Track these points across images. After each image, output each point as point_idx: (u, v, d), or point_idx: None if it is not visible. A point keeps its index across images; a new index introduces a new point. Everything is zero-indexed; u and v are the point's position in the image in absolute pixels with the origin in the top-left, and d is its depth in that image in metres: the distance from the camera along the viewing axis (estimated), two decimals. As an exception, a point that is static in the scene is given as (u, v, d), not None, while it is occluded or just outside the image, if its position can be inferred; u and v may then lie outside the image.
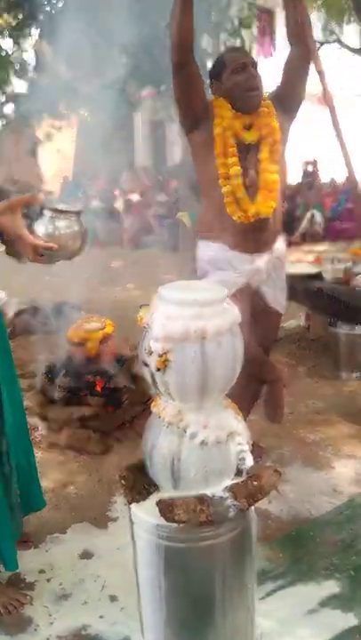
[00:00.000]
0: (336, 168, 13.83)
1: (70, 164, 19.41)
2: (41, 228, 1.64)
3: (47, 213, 1.66)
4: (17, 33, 7.58)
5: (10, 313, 4.98)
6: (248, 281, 2.43)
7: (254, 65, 2.38)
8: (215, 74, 2.43)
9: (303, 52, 2.42)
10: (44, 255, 1.66)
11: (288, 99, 2.49)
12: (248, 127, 2.39)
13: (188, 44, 2.25)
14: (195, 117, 2.38)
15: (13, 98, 8.75)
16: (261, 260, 2.46)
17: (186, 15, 2.19)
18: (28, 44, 8.19)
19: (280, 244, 2.56)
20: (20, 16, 6.91)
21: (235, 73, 2.35)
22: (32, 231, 1.64)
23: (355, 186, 2.61)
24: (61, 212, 1.68)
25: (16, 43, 8.02)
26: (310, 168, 12.51)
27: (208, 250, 2.49)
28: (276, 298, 2.58)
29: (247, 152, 2.39)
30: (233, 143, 2.36)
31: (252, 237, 2.41)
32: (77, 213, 1.71)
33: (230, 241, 2.41)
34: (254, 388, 2.70)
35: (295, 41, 2.43)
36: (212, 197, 2.43)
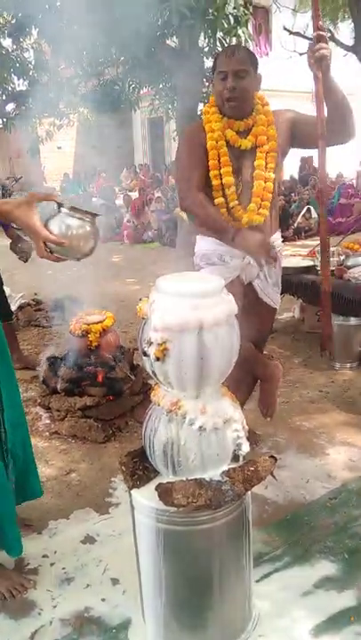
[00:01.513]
0: (331, 164, 13.88)
1: (71, 161, 19.38)
2: (55, 225, 1.62)
3: (63, 211, 1.65)
4: (17, 32, 7.54)
5: (13, 307, 5.02)
6: (239, 275, 2.45)
7: (239, 73, 2.30)
8: (212, 72, 2.43)
9: (342, 136, 2.40)
10: (53, 252, 1.65)
11: (302, 136, 2.46)
12: (244, 133, 2.39)
13: None
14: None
15: (14, 96, 8.72)
16: None
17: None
18: (28, 42, 8.15)
19: (275, 240, 2.57)
20: (20, 15, 6.87)
21: (217, 79, 2.35)
22: (46, 227, 1.63)
23: (323, 180, 2.63)
24: (78, 211, 1.65)
25: (16, 41, 7.97)
26: (305, 164, 12.58)
27: (202, 245, 2.52)
28: (269, 293, 2.58)
29: (242, 158, 2.39)
30: (226, 152, 2.36)
31: None
32: (93, 216, 1.69)
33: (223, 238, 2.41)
34: (249, 381, 2.74)
35: (339, 127, 2.37)
36: None
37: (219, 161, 2.37)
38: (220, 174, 2.37)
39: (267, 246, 2.26)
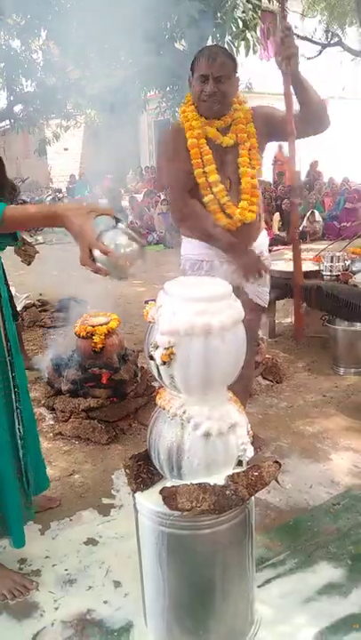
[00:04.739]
0: (335, 168, 13.89)
1: (77, 162, 19.43)
2: (107, 238, 1.55)
3: (120, 227, 1.59)
4: (25, 33, 7.56)
5: (18, 307, 5.04)
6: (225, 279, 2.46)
7: (220, 78, 2.32)
8: (191, 69, 2.42)
9: (318, 130, 2.47)
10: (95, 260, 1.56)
11: (278, 130, 2.48)
12: (223, 131, 2.40)
13: None
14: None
15: (22, 97, 8.75)
16: None
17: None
18: (37, 44, 8.18)
19: (261, 240, 2.59)
20: (29, 16, 6.90)
21: (197, 81, 2.35)
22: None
23: (292, 177, 2.68)
24: (132, 232, 1.59)
25: (24, 43, 8.01)
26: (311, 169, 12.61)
27: (188, 249, 2.53)
28: (259, 293, 2.59)
29: (225, 155, 2.41)
30: (208, 150, 2.37)
31: (233, 236, 2.42)
32: (142, 245, 1.63)
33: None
34: (245, 382, 2.74)
35: (313, 122, 2.44)
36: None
37: (202, 159, 2.38)
38: (205, 172, 2.38)
39: (259, 265, 2.28)
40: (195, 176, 2.39)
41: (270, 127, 2.48)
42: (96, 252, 1.53)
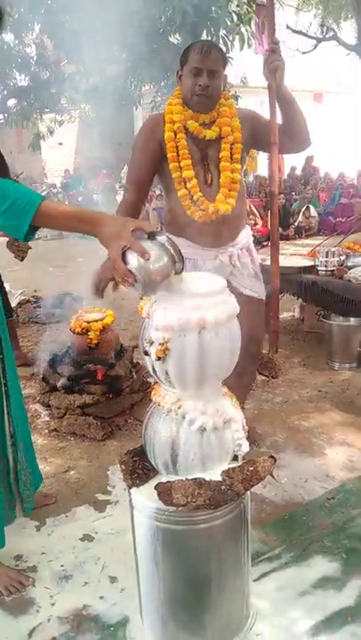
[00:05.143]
0: (331, 163, 13.90)
1: (72, 157, 19.34)
2: (146, 245, 1.45)
3: (161, 239, 1.49)
4: (19, 27, 7.53)
5: (13, 304, 5.02)
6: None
7: (213, 72, 2.33)
8: (180, 63, 2.43)
9: (299, 146, 2.54)
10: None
11: (259, 139, 2.52)
12: (208, 124, 2.40)
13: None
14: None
15: (15, 92, 8.70)
16: (225, 256, 2.49)
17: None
18: (30, 38, 8.14)
19: (244, 234, 2.59)
20: (22, 10, 6.87)
21: (190, 74, 2.35)
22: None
23: (274, 184, 2.73)
24: (171, 247, 1.49)
25: (18, 37, 7.96)
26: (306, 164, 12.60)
27: None
28: (249, 285, 2.58)
29: (207, 149, 2.40)
30: (185, 145, 2.37)
31: (215, 232, 2.43)
32: (175, 262, 1.51)
33: (193, 237, 2.43)
34: (248, 379, 2.75)
35: (294, 137, 2.50)
36: (172, 198, 2.46)
37: (178, 154, 2.38)
38: (180, 167, 2.38)
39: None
40: (171, 170, 2.39)
41: (254, 133, 2.49)
42: (129, 259, 1.43)
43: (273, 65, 2.39)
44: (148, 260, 1.42)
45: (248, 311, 2.54)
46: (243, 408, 2.88)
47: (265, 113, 2.57)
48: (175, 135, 2.38)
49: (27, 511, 2.29)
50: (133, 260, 1.43)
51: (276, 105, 2.49)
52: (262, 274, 2.71)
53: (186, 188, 2.38)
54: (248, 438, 2.45)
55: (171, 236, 1.53)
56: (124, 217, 1.54)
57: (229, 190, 2.40)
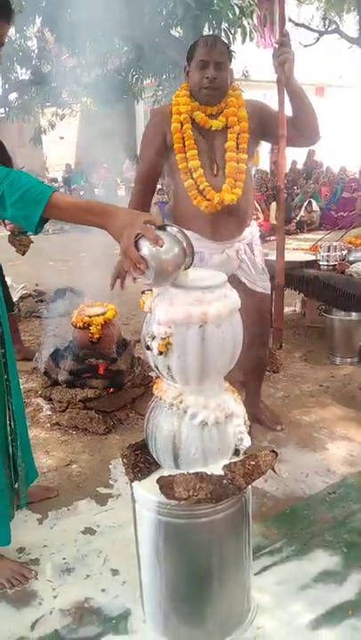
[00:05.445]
0: (332, 157, 13.84)
1: (73, 151, 19.29)
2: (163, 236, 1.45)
3: (172, 230, 1.50)
4: (20, 21, 7.50)
5: (15, 298, 5.02)
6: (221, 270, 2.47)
7: (219, 64, 2.35)
8: (187, 59, 2.44)
9: (309, 140, 2.53)
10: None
11: (267, 131, 2.51)
12: (215, 115, 2.41)
13: None
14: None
15: (17, 85, 8.67)
16: (232, 250, 2.50)
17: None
18: (31, 31, 8.11)
19: (251, 229, 2.59)
20: (23, 3, 6.84)
21: (196, 68, 2.37)
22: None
23: (281, 178, 2.74)
24: (184, 239, 1.49)
25: (19, 30, 7.93)
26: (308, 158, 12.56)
27: None
28: (257, 280, 2.59)
29: (214, 139, 2.41)
30: (191, 135, 2.37)
31: (222, 225, 2.43)
32: (186, 255, 1.50)
33: (200, 229, 2.43)
34: (259, 372, 2.78)
35: (304, 130, 2.49)
36: (178, 190, 2.46)
37: (184, 144, 2.38)
38: (186, 157, 2.38)
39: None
40: (177, 160, 2.39)
41: (263, 124, 2.49)
42: (142, 247, 1.42)
43: (282, 57, 2.38)
44: (162, 246, 1.42)
45: (254, 305, 2.56)
46: (259, 397, 2.93)
47: (268, 106, 2.56)
48: (182, 126, 2.39)
49: (20, 507, 2.30)
50: (145, 248, 1.42)
51: (286, 98, 2.48)
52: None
53: (192, 179, 2.38)
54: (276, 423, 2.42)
55: (182, 229, 1.54)
56: (135, 211, 1.54)
57: (235, 180, 2.40)
